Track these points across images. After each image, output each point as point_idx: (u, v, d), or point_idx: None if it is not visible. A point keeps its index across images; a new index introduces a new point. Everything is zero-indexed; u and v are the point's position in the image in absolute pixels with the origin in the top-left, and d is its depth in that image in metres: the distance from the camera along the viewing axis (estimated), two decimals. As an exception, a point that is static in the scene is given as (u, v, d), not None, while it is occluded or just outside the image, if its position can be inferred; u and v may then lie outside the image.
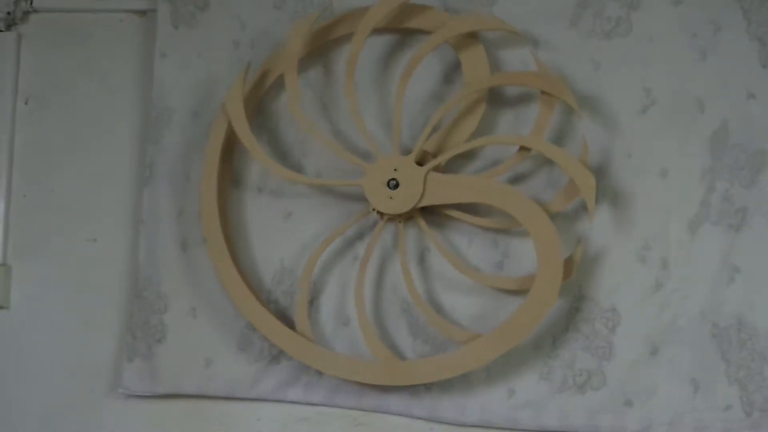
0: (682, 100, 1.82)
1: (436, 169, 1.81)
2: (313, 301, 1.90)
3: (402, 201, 1.80)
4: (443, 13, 1.85)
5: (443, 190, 1.80)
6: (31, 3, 2.06)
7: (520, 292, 1.81)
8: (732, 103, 1.81)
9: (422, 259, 1.88)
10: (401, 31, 1.91)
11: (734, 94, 1.81)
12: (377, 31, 1.87)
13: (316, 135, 1.85)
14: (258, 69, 1.91)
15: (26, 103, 2.06)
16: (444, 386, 1.84)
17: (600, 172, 1.83)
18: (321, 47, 1.93)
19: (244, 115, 1.85)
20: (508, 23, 1.83)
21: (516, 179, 1.86)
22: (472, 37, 1.84)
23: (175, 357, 1.91)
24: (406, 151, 1.85)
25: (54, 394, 1.97)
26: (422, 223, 1.82)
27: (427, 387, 1.85)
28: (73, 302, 1.99)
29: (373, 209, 1.82)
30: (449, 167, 1.85)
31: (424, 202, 1.80)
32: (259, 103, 1.94)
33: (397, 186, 1.81)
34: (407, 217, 1.84)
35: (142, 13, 2.04)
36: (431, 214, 1.86)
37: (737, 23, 1.81)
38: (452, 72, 1.90)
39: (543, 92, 1.81)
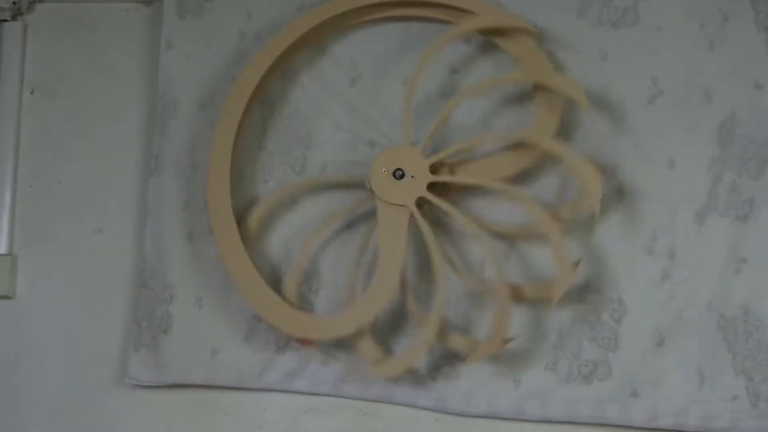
0: (690, 91, 1.82)
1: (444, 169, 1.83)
2: (319, 291, 1.90)
3: (406, 191, 1.79)
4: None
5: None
6: (37, -7, 2.07)
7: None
8: (740, 94, 1.80)
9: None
10: (412, 19, 1.91)
11: (742, 84, 1.80)
12: (388, 18, 1.88)
13: None
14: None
15: (32, 93, 2.06)
16: (450, 376, 1.84)
17: (607, 162, 1.82)
18: (325, 37, 1.92)
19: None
20: (526, 22, 1.83)
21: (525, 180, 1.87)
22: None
23: (181, 347, 1.91)
24: (416, 142, 1.85)
25: (60, 383, 1.97)
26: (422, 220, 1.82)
27: (433, 377, 1.85)
28: (79, 292, 1.99)
29: (368, 185, 1.82)
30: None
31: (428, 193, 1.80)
32: (264, 94, 1.93)
33: (402, 177, 1.80)
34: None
35: (148, 3, 2.04)
36: (434, 215, 1.86)
37: (745, 13, 1.81)
38: (465, 64, 1.90)
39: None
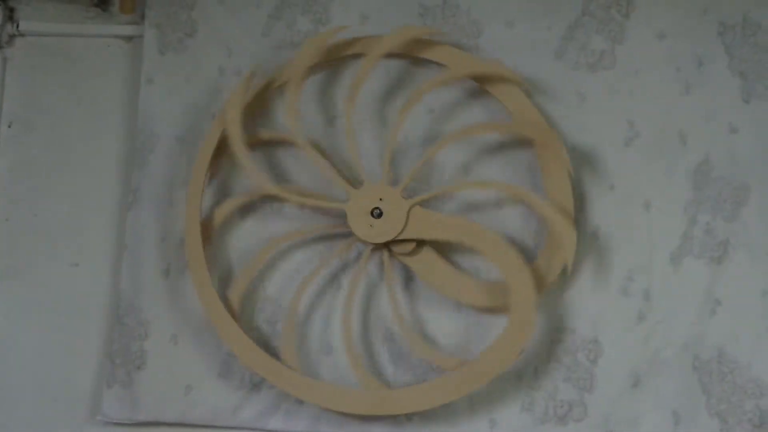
0: (666, 133, 1.84)
1: (420, 203, 1.82)
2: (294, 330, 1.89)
3: (383, 231, 1.81)
4: (455, 49, 1.86)
5: (425, 225, 1.81)
6: (17, 27, 2.06)
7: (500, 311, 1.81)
8: (715, 137, 1.82)
9: (406, 287, 1.88)
10: (411, 59, 1.91)
11: (717, 127, 1.83)
12: (386, 56, 1.88)
13: (307, 151, 1.84)
14: (262, 79, 1.91)
15: (10, 127, 2.06)
16: (426, 416, 1.83)
17: (583, 203, 1.84)
18: (329, 63, 1.93)
19: (239, 123, 1.85)
20: (514, 72, 1.84)
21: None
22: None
23: (155, 384, 1.89)
24: (394, 181, 1.86)
25: (32, 419, 1.95)
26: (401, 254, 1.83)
27: (409, 417, 1.84)
28: (54, 327, 1.98)
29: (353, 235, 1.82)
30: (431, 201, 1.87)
31: (405, 235, 1.81)
32: (253, 120, 1.94)
33: (380, 215, 1.81)
34: (390, 244, 1.84)
35: (128, 38, 2.05)
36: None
37: (720, 58, 1.84)
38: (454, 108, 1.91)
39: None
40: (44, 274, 2.00)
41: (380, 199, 1.82)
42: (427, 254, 1.84)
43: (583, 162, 1.85)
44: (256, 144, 1.91)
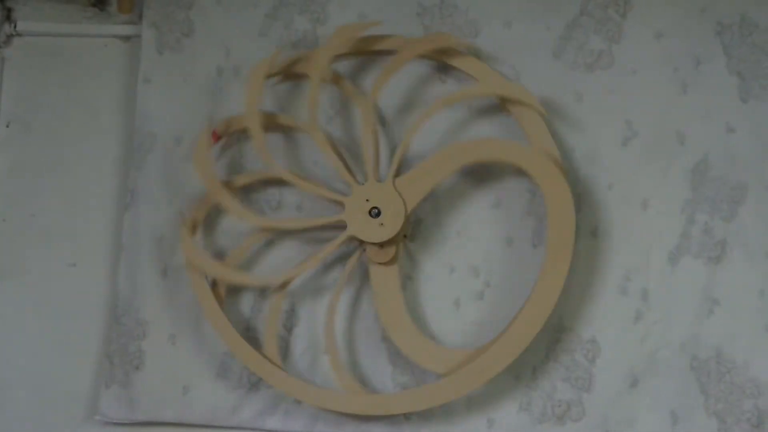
0: (664, 133, 1.84)
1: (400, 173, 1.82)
2: (292, 329, 1.89)
3: (392, 222, 1.80)
4: (483, 64, 1.85)
5: (420, 182, 1.80)
6: (15, 26, 2.06)
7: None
8: (712, 137, 1.83)
9: (403, 287, 1.87)
10: (437, 62, 1.90)
11: (715, 127, 1.83)
12: (345, 56, 1.88)
13: (321, 143, 1.84)
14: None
15: (7, 127, 2.06)
16: (424, 416, 1.83)
17: (581, 202, 1.84)
18: (293, 79, 1.93)
19: (213, 173, 1.86)
20: (466, 41, 1.84)
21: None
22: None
23: (153, 384, 1.89)
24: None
25: (30, 420, 1.95)
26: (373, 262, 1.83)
27: (407, 416, 1.84)
28: (52, 327, 1.98)
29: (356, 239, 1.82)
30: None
31: (411, 205, 1.80)
32: (242, 132, 1.94)
33: (379, 213, 1.81)
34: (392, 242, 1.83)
35: (126, 38, 2.05)
36: (421, 237, 1.87)
37: (717, 58, 1.84)
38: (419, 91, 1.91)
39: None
40: (42, 274, 2.00)
41: (366, 200, 1.81)
42: (391, 274, 1.82)
43: (580, 161, 1.85)
44: (271, 126, 1.90)
